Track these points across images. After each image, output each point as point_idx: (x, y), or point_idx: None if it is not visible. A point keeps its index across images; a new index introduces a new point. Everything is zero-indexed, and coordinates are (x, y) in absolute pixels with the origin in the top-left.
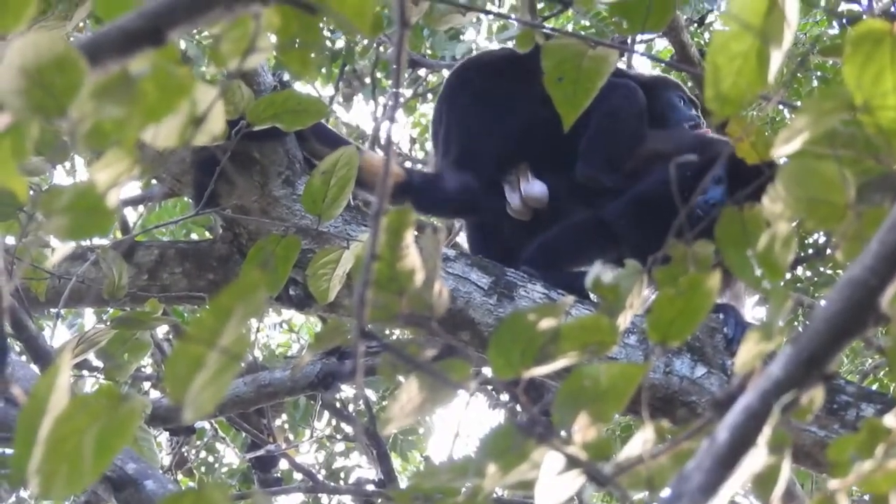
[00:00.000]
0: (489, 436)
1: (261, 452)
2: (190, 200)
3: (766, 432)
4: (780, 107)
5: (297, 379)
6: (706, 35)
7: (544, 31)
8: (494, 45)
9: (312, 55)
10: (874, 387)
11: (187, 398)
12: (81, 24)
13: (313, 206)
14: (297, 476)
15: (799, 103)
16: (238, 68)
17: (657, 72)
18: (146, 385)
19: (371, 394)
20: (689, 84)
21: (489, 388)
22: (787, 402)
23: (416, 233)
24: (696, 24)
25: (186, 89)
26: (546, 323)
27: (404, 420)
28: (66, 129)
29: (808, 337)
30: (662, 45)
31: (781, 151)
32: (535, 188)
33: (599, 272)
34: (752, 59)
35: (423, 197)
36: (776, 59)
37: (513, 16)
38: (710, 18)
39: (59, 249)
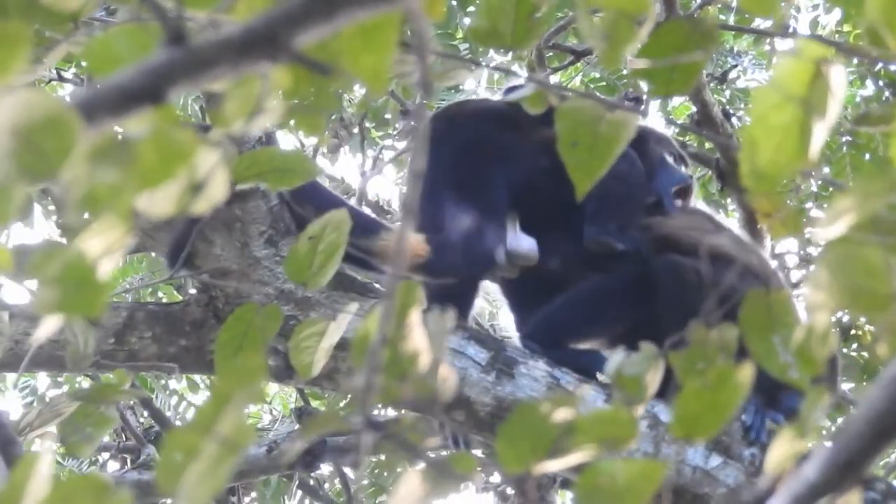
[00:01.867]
0: None
1: None
2: (161, 258)
3: None
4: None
5: (275, 456)
6: (727, 93)
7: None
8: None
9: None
10: None
11: (180, 491)
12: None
13: (298, 274)
14: None
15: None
16: (244, 131)
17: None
18: (104, 455)
19: (348, 472)
20: (707, 145)
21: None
22: None
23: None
24: (717, 81)
25: (188, 153)
26: (560, 414)
27: None
28: (58, 192)
29: (847, 438)
30: (678, 99)
31: (824, 235)
32: (523, 244)
33: (622, 362)
34: (793, 133)
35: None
36: (820, 132)
37: (520, 72)
38: (732, 74)
39: (44, 325)
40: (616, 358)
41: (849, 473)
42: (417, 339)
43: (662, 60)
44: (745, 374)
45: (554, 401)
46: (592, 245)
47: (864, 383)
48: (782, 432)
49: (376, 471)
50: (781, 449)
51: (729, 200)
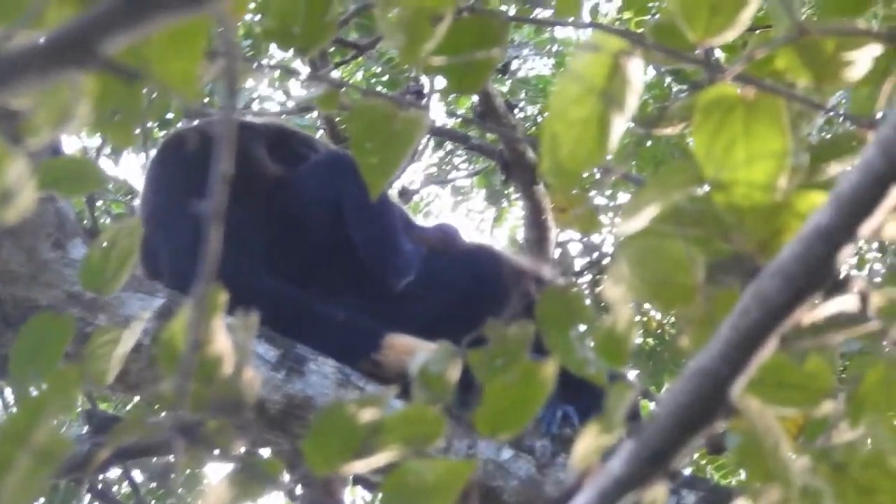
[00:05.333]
0: None
1: None
2: None
3: None
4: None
5: (63, 461)
6: (509, 83)
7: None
8: (279, 95)
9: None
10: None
11: None
12: None
13: (92, 281)
14: None
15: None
16: (51, 140)
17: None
18: None
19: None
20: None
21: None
22: (629, 502)
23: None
24: (499, 73)
25: None
26: (367, 414)
27: None
28: None
29: (652, 431)
30: None
31: (624, 229)
32: None
33: (425, 361)
34: (592, 127)
35: None
36: (618, 127)
37: (303, 70)
38: (514, 65)
39: None
40: (420, 357)
41: (654, 467)
42: (221, 343)
43: (457, 57)
44: (549, 370)
45: (361, 401)
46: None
47: (650, 370)
48: (587, 427)
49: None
50: (586, 444)
51: (512, 191)
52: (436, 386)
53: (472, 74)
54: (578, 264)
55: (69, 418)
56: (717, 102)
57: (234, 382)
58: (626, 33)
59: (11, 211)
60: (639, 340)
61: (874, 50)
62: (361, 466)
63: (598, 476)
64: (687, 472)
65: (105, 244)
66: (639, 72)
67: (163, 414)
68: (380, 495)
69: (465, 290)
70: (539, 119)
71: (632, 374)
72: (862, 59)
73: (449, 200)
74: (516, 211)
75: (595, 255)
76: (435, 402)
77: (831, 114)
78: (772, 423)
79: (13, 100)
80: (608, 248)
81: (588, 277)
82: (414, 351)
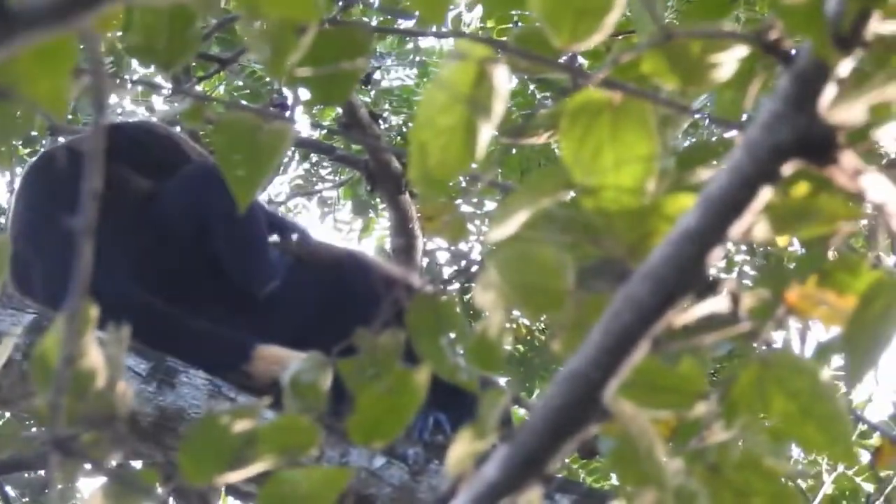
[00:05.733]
0: None
1: None
2: None
3: None
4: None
5: None
6: (372, 94)
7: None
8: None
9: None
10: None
11: None
12: None
13: None
14: None
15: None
16: None
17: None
18: None
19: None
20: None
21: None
22: None
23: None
24: (363, 84)
25: None
26: (240, 425)
27: None
28: None
29: (526, 435)
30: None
31: (493, 236)
32: None
33: (297, 371)
34: (459, 134)
35: None
36: (486, 133)
37: (165, 84)
38: (377, 76)
39: None
40: (290, 367)
41: (529, 471)
42: (94, 357)
43: (322, 69)
44: (422, 377)
45: (234, 412)
46: (264, 294)
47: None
48: (460, 433)
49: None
50: (460, 450)
51: (379, 201)
52: (308, 395)
53: (337, 86)
54: (447, 272)
55: None
56: (583, 108)
57: (107, 396)
58: (490, 41)
59: None
60: (509, 347)
61: (739, 52)
62: (236, 477)
63: (473, 482)
64: (560, 476)
65: None
66: (504, 79)
67: (34, 429)
68: None
69: (334, 299)
70: (404, 129)
71: (502, 381)
72: (727, 62)
73: (316, 212)
74: (383, 221)
75: (463, 263)
76: (307, 411)
77: (697, 117)
78: (645, 425)
79: None
80: (476, 256)
81: (457, 286)
82: (284, 361)
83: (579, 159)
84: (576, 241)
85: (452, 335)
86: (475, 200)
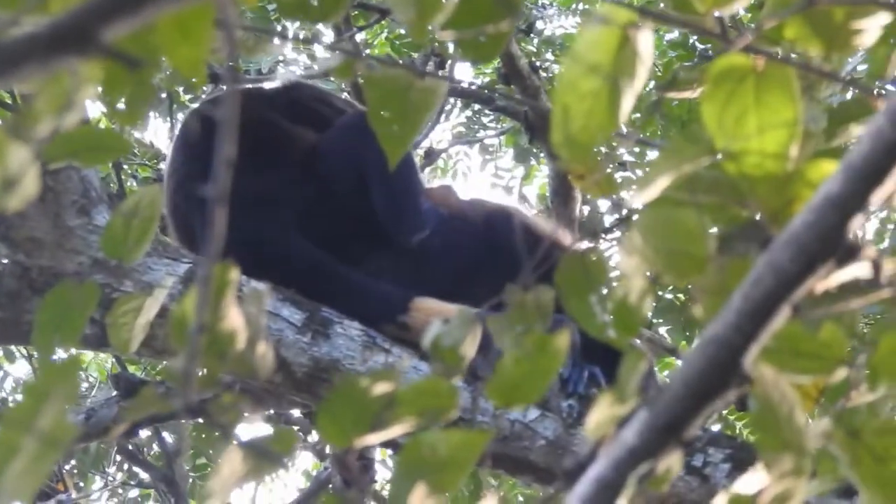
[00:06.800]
0: None
1: (52, 502)
2: None
3: None
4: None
5: (92, 424)
6: (535, 42)
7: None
8: (303, 57)
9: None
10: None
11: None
12: None
13: (115, 249)
14: None
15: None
16: (56, 128)
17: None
18: None
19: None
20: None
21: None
22: (643, 472)
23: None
24: (524, 33)
25: None
26: (381, 388)
27: (227, 493)
28: None
29: (666, 401)
30: None
31: (638, 199)
32: None
33: (439, 332)
34: (603, 99)
35: None
36: (629, 98)
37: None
38: (538, 25)
39: None
40: (434, 328)
41: (668, 436)
42: (234, 319)
43: (469, 32)
44: (563, 340)
45: (374, 374)
46: (414, 243)
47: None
48: (601, 396)
49: (193, 434)
50: (601, 413)
51: (539, 151)
52: (450, 358)
53: (486, 46)
54: (607, 221)
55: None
56: (727, 72)
57: (248, 357)
58: (635, 7)
59: (14, 199)
60: (669, 296)
61: (883, 18)
62: (375, 439)
63: (612, 446)
64: (715, 428)
65: (127, 212)
66: (649, 43)
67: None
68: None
69: (486, 253)
70: None
71: (663, 330)
72: (871, 28)
73: (477, 159)
74: (545, 169)
75: (624, 211)
76: (450, 373)
77: (839, 81)
78: (786, 391)
79: (15, 87)
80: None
81: (617, 234)
82: (441, 313)
83: (723, 124)
84: (720, 203)
85: (603, 292)
86: (636, 150)
